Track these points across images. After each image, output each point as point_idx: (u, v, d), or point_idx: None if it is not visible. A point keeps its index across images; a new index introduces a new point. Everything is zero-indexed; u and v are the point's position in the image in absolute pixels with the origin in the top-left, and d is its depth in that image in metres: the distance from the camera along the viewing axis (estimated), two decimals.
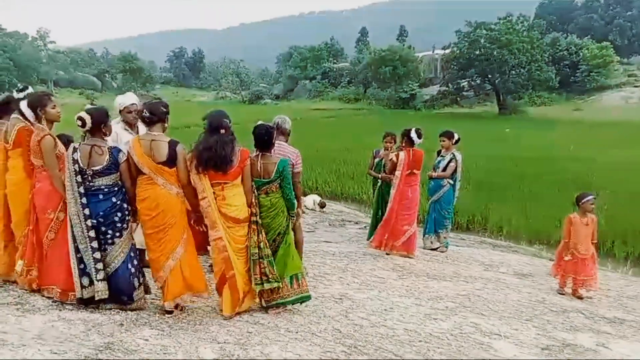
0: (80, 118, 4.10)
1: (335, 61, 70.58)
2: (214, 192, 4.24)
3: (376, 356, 3.80)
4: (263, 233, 4.42)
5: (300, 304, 4.60)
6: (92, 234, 4.04)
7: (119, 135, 4.83)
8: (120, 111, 4.99)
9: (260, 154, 4.56)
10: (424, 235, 7.66)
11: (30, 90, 4.67)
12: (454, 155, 7.38)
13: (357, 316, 4.57)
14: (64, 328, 3.70)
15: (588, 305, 5.66)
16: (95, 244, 4.04)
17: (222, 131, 4.23)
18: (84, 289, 4.07)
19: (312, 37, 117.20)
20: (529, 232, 9.84)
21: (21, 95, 4.59)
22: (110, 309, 4.13)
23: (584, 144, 21.38)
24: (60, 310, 4.04)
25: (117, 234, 4.11)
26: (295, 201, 4.75)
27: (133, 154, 4.10)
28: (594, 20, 66.81)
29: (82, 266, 4.06)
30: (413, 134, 6.98)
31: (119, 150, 4.15)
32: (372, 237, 7.33)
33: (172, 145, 4.13)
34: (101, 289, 4.05)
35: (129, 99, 5.10)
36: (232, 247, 4.27)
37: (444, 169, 7.39)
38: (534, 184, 13.20)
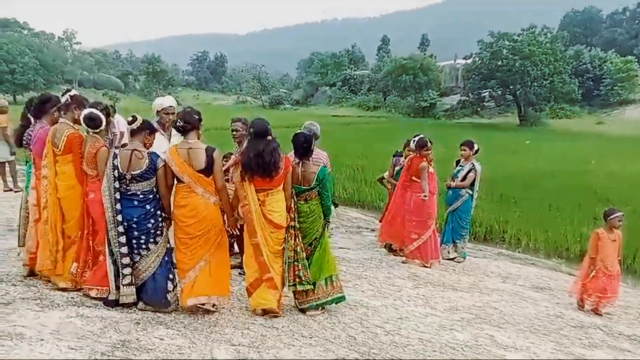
0: (133, 116, 4.24)
1: (355, 68, 70.63)
2: (258, 199, 4.32)
3: None
4: (300, 238, 4.55)
5: (335, 304, 4.74)
6: (122, 239, 4.11)
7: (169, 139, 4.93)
8: (158, 111, 5.10)
9: (301, 161, 4.64)
10: (441, 245, 7.59)
11: (74, 92, 4.70)
12: (473, 166, 7.34)
13: (371, 324, 4.55)
14: (81, 324, 3.75)
15: (607, 321, 5.56)
16: (124, 250, 4.10)
17: (269, 137, 4.34)
18: (118, 291, 4.15)
19: (334, 44, 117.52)
20: (547, 246, 9.71)
21: (63, 98, 4.61)
22: (143, 310, 4.17)
23: (606, 158, 21.02)
24: (78, 306, 4.09)
25: (152, 241, 4.17)
26: (332, 207, 4.83)
27: (172, 164, 4.15)
28: (619, 33, 65.91)
29: (115, 269, 4.15)
30: (412, 142, 7.16)
31: (158, 156, 4.20)
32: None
33: (209, 152, 4.20)
34: (126, 294, 4.12)
35: (168, 101, 5.27)
36: (269, 251, 4.38)
37: (463, 179, 7.34)
38: (554, 197, 13.01)
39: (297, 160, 4.65)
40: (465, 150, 7.43)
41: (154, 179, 4.18)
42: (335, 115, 48.71)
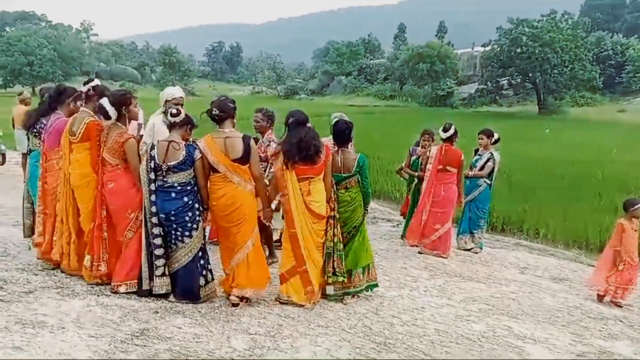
0: (177, 109, 4.24)
1: (371, 57, 70.10)
2: (300, 189, 4.33)
3: (406, 355, 3.78)
4: (339, 228, 4.57)
5: (370, 290, 4.84)
6: (156, 230, 4.14)
7: (157, 127, 4.91)
8: (167, 101, 5.08)
9: (340, 149, 4.66)
10: (457, 236, 7.55)
11: (96, 82, 4.67)
12: (492, 155, 7.25)
13: (387, 314, 4.55)
14: (101, 313, 3.82)
15: (627, 312, 5.49)
16: (158, 241, 4.14)
17: (308, 125, 4.40)
18: (151, 281, 4.20)
19: (350, 32, 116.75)
20: (566, 236, 9.58)
21: (85, 88, 4.59)
22: (174, 301, 4.20)
23: (628, 146, 20.65)
24: (98, 295, 4.16)
25: (187, 234, 4.18)
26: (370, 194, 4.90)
27: (208, 153, 4.15)
28: None
29: (149, 260, 4.19)
30: (440, 130, 7.01)
31: (195, 147, 4.19)
32: (406, 235, 7.31)
33: (246, 140, 4.22)
34: (158, 285, 4.17)
35: (178, 91, 5.24)
36: (311, 242, 4.41)
37: (481, 168, 7.26)
38: (574, 187, 12.83)
39: (336, 148, 4.67)
40: (482, 138, 7.33)
41: (191, 170, 4.16)
42: (351, 105, 48.47)
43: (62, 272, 4.54)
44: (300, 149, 4.28)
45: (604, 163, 16.46)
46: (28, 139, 5.05)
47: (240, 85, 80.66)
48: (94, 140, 4.36)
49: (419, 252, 6.93)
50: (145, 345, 3.38)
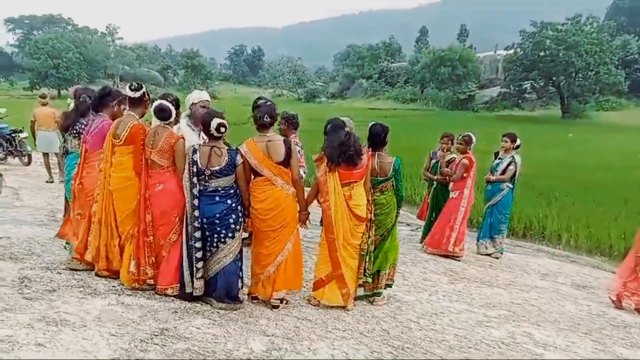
0: (223, 125, 4.19)
1: (392, 60, 69.93)
2: (343, 194, 4.40)
3: None
4: (373, 230, 4.65)
5: (385, 288, 4.91)
6: (197, 234, 4.15)
7: (182, 131, 4.96)
8: (194, 104, 5.12)
9: (376, 153, 4.73)
10: (478, 240, 7.48)
11: (144, 89, 4.59)
12: (513, 158, 7.17)
13: (405, 318, 4.53)
14: (122, 312, 3.86)
15: None
16: (199, 244, 4.16)
17: (347, 129, 4.47)
18: (192, 284, 4.23)
19: (371, 35, 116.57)
20: (589, 242, 9.43)
21: (137, 94, 4.48)
22: (221, 308, 4.21)
23: None
24: (119, 295, 4.21)
25: (230, 234, 4.22)
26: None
27: (250, 157, 4.21)
28: None
29: (190, 263, 4.22)
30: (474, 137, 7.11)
31: (237, 152, 4.23)
32: (425, 240, 7.27)
33: (287, 143, 4.29)
34: (199, 287, 4.21)
35: (204, 94, 5.29)
36: (348, 247, 4.48)
37: (503, 172, 7.18)
38: (598, 193, 12.61)
39: (371, 152, 4.72)
40: (506, 142, 7.25)
41: (233, 175, 4.21)
42: (372, 109, 48.41)
43: (96, 275, 4.54)
44: (342, 151, 4.34)
45: (629, 168, 16.16)
46: (65, 140, 5.00)
47: (262, 89, 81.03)
48: (137, 143, 4.33)
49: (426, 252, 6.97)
50: (164, 345, 3.41)
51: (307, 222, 4.55)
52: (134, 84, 4.59)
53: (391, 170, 4.71)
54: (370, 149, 4.73)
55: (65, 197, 5.17)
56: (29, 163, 12.47)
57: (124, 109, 4.70)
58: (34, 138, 10.61)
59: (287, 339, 3.77)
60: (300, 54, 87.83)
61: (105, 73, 66.66)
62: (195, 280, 4.20)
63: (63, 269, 4.67)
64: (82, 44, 63.37)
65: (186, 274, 4.23)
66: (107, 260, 4.47)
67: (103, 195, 4.40)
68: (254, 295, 4.49)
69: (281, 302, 4.39)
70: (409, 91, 59.06)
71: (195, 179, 4.15)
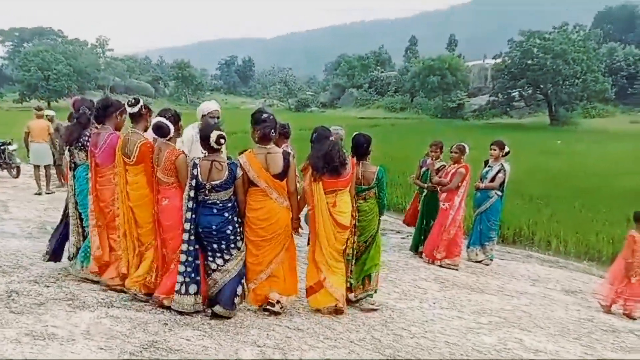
0: (223, 137, 4.21)
1: (382, 70, 70.36)
2: (327, 202, 4.45)
3: None
4: (357, 236, 4.74)
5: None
6: (184, 247, 4.17)
7: (187, 143, 4.97)
8: (203, 115, 5.15)
9: (360, 162, 4.81)
10: (468, 247, 7.51)
11: (142, 103, 4.58)
12: (502, 166, 7.23)
13: (397, 326, 4.53)
14: (111, 325, 3.83)
15: None
16: (183, 257, 4.17)
17: (331, 138, 4.52)
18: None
19: (362, 46, 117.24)
20: (578, 248, 9.49)
21: (135, 109, 4.51)
22: (219, 313, 4.20)
23: None
24: (108, 307, 4.18)
25: (233, 246, 4.25)
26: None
27: (249, 169, 4.25)
28: None
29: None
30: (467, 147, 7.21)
31: (237, 166, 4.25)
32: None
33: (286, 156, 4.34)
34: (188, 303, 4.18)
35: (214, 105, 5.31)
36: (334, 252, 4.52)
37: (492, 180, 7.24)
38: (586, 199, 12.71)
39: (355, 161, 4.78)
40: (495, 150, 7.31)
41: (233, 188, 4.24)
42: (362, 117, 48.58)
43: (132, 291, 4.44)
44: (327, 161, 4.39)
45: (616, 174, 16.30)
46: (71, 153, 4.87)
47: (252, 99, 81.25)
48: (147, 161, 4.40)
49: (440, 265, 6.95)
50: (154, 358, 3.39)
51: (300, 229, 4.60)
52: (130, 99, 4.59)
53: (374, 179, 4.80)
54: (354, 158, 4.78)
55: (71, 214, 4.96)
56: (17, 175, 12.39)
57: (125, 119, 4.73)
58: (28, 150, 10.58)
59: (278, 349, 3.76)
60: (290, 64, 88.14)
61: (96, 84, 66.43)
62: (187, 293, 4.16)
63: (52, 282, 4.63)
64: (72, 55, 63.21)
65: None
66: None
67: (123, 209, 4.44)
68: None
69: (277, 303, 4.40)
70: (399, 100, 59.42)
71: (193, 193, 4.17)
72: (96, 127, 4.74)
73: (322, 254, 4.49)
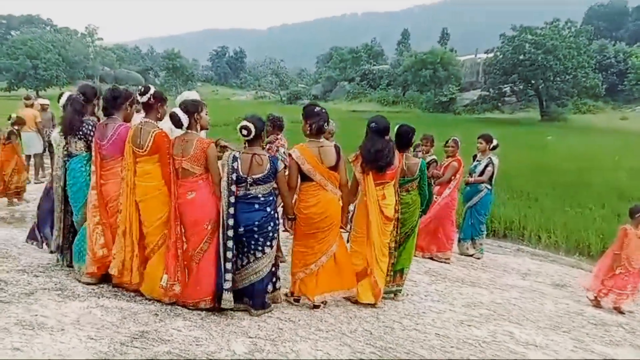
0: (245, 127, 4.10)
1: (374, 63, 70.22)
2: (376, 194, 4.49)
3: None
4: (399, 228, 4.79)
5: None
6: (230, 244, 4.06)
7: (173, 131, 4.90)
8: None
9: (404, 154, 4.81)
10: (459, 242, 7.54)
11: (152, 91, 4.34)
12: (491, 160, 7.25)
13: (388, 318, 4.54)
14: (101, 315, 3.81)
15: (630, 319, 5.47)
16: (229, 255, 4.06)
17: (387, 137, 4.54)
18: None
19: (354, 38, 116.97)
20: (568, 242, 9.57)
21: (144, 98, 4.29)
22: (240, 309, 4.20)
23: (630, 154, 20.61)
24: (98, 297, 4.15)
25: (268, 243, 4.20)
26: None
27: (303, 162, 4.24)
28: None
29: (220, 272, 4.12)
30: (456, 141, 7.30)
31: (278, 159, 4.22)
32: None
33: (337, 148, 4.37)
34: (227, 299, 4.06)
35: (193, 95, 5.23)
36: (379, 244, 4.56)
37: (481, 174, 7.26)
38: (576, 193, 12.81)
39: (399, 153, 4.78)
40: (481, 143, 7.34)
41: (273, 182, 4.20)
42: (354, 111, 48.47)
43: (114, 286, 4.36)
44: (375, 160, 4.44)
45: (606, 170, 16.43)
46: (67, 142, 4.52)
47: (244, 90, 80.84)
48: (163, 152, 4.16)
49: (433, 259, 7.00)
50: (144, 348, 3.37)
51: (348, 224, 4.68)
52: (140, 87, 4.40)
53: (418, 170, 4.83)
54: (398, 149, 4.77)
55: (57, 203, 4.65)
56: None
57: (137, 110, 4.63)
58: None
59: (269, 341, 3.75)
60: (282, 55, 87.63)
61: (85, 74, 65.73)
62: (224, 291, 4.05)
63: (41, 272, 4.58)
64: (61, 44, 62.42)
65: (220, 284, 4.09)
66: (132, 272, 4.26)
67: (127, 205, 4.20)
68: (296, 297, 4.54)
69: (323, 304, 4.47)
70: (391, 94, 59.32)
71: (234, 187, 4.07)
72: (93, 114, 4.61)
73: (371, 246, 4.53)
